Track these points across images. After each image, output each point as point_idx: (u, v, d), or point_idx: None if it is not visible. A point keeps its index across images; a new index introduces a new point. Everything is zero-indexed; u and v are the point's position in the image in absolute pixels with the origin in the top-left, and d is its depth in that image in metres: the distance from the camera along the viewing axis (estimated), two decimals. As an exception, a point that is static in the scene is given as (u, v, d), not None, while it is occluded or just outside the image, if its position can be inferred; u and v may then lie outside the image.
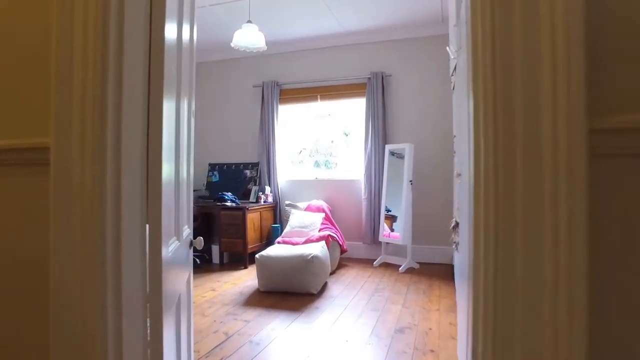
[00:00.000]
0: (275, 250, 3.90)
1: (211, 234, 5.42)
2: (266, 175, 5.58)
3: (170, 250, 1.29)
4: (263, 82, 5.63)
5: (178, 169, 1.45)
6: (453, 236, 2.65)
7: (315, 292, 3.67)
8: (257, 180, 5.62)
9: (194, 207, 4.88)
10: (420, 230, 5.00)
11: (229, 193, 5.11)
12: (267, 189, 5.46)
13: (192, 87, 1.90)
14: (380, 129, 5.14)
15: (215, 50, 5.83)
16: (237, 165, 5.81)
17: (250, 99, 5.83)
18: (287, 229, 4.91)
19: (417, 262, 4.80)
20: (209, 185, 5.82)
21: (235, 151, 5.92)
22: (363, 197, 5.20)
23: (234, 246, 4.85)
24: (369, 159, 5.17)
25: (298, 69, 5.60)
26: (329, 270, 4.07)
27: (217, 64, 6.05)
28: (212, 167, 5.92)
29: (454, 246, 2.70)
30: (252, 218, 4.96)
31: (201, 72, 6.12)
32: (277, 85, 5.59)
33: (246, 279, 4.24)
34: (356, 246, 5.31)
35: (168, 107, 1.27)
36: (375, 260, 4.97)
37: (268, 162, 5.59)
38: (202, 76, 6.12)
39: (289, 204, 5.30)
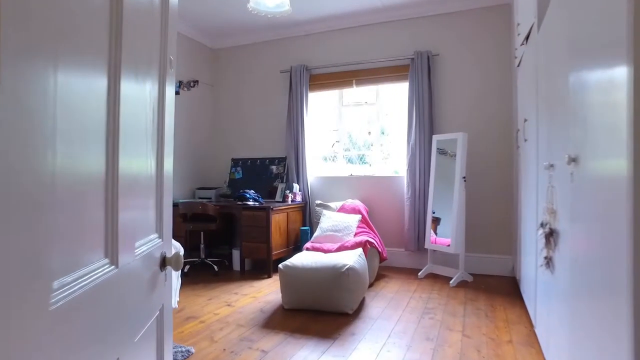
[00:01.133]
0: (302, 259, 3.27)
1: (232, 237, 4.86)
2: (294, 171, 4.97)
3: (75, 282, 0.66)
4: (291, 67, 5.02)
5: (115, 163, 0.83)
6: (544, 249, 1.92)
7: (350, 311, 3.01)
8: (285, 177, 5.01)
9: (213, 207, 4.36)
10: (473, 236, 4.23)
11: (252, 191, 4.53)
12: (296, 186, 4.85)
13: (166, 61, 1.26)
14: (426, 117, 4.40)
15: (236, 33, 5.27)
16: (262, 160, 5.23)
17: (276, 87, 5.24)
18: (317, 233, 4.27)
19: (470, 274, 4.03)
20: (232, 182, 5.27)
21: (260, 145, 5.34)
22: (406, 197, 4.48)
23: (256, 252, 4.26)
24: (413, 152, 4.45)
25: (330, 51, 4.95)
26: (367, 284, 3.40)
27: (238, 50, 5.50)
28: (235, 162, 5.37)
29: (543, 262, 1.96)
30: (278, 220, 4.35)
31: (220, 59, 5.60)
32: (306, 70, 4.96)
33: (268, 292, 3.63)
34: (397, 254, 4.59)
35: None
36: (420, 270, 4.24)
37: (296, 156, 4.97)
38: (221, 64, 5.59)
39: (320, 203, 4.66)
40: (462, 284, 3.84)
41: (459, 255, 3.93)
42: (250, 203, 4.35)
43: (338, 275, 2.99)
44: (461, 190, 3.93)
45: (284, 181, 5.00)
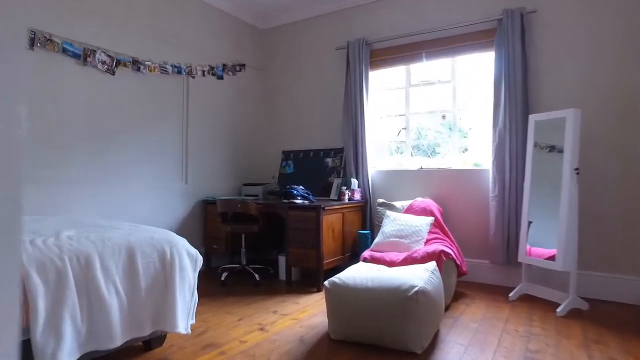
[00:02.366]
0: (356, 274, 2.52)
1: (280, 240, 4.24)
2: (352, 164, 4.23)
3: None
4: (348, 43, 4.28)
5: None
6: None
7: (419, 351, 2.20)
8: (341, 172, 4.29)
9: (255, 205, 3.77)
10: (586, 248, 3.19)
11: (300, 187, 3.87)
12: (354, 182, 4.10)
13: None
14: (519, 93, 3.42)
15: (285, 9, 4.64)
16: (316, 152, 4.55)
17: (331, 68, 4.53)
18: (378, 239, 3.50)
19: (582, 298, 3.01)
20: (282, 177, 4.66)
21: (314, 135, 4.67)
22: (491, 195, 3.54)
23: (304, 259, 3.59)
24: (501, 138, 3.49)
25: (393, 20, 4.13)
26: (443, 311, 2.56)
27: (287, 29, 4.88)
28: (286, 155, 4.76)
29: None
30: (331, 221, 3.64)
31: (269, 40, 5.01)
32: (365, 44, 4.19)
33: (315, 312, 2.93)
34: (480, 267, 3.66)
35: None
36: (511, 290, 3.29)
37: (355, 147, 4.22)
38: (270, 45, 5.00)
39: (383, 202, 3.87)
40: (574, 314, 2.84)
41: (568, 273, 2.93)
42: (298, 201, 3.69)
43: (403, 301, 2.20)
44: (572, 186, 2.93)
45: (341, 176, 4.28)
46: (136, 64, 3.59)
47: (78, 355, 1.82)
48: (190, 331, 2.21)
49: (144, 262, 2.09)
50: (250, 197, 4.46)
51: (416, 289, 2.21)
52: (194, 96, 4.18)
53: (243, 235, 3.86)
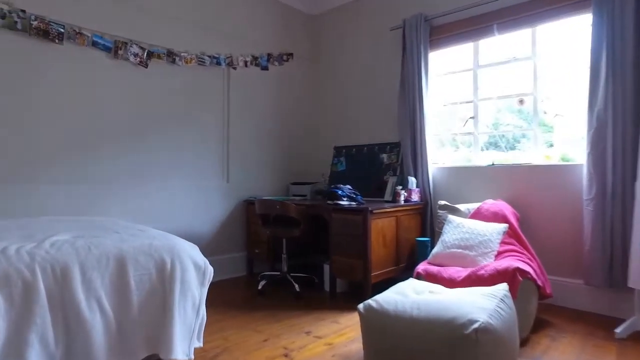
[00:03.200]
0: (402, 296, 1.99)
1: (324, 246, 3.79)
2: (410, 160, 3.65)
3: None
4: (404, 21, 3.71)
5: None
6: None
7: (481, 409, 1.62)
8: (398, 169, 3.74)
9: (295, 207, 3.36)
10: None
11: (347, 186, 3.39)
12: (411, 181, 3.53)
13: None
14: (628, 63, 2.61)
15: (339, -12, 4.20)
16: (370, 147, 4.04)
17: (385, 52, 3.98)
18: (437, 249, 2.90)
19: None
20: (333, 176, 4.22)
21: (368, 128, 4.16)
22: (585, 197, 2.77)
23: (349, 270, 3.11)
24: (601, 124, 2.70)
25: (460, -12, 3.48)
26: (516, 350, 1.93)
27: (338, 13, 4.42)
28: (338, 151, 4.31)
29: None
30: (382, 227, 3.12)
31: (319, 26, 4.59)
32: (424, 20, 3.59)
33: (354, 335, 2.45)
34: (571, 288, 2.90)
35: None
36: (616, 322, 2.50)
37: (413, 140, 3.64)
38: (320, 32, 4.59)
39: (444, 205, 3.25)
40: None
41: None
42: (343, 203, 3.22)
43: (458, 339, 1.64)
44: None
45: (397, 174, 3.73)
46: (171, 56, 3.39)
47: (52, 385, 1.54)
48: (192, 356, 1.85)
49: (137, 274, 1.78)
50: (297, 198, 4.09)
51: (477, 324, 1.63)
52: (236, 89, 3.90)
53: (284, 240, 3.48)
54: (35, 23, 2.67)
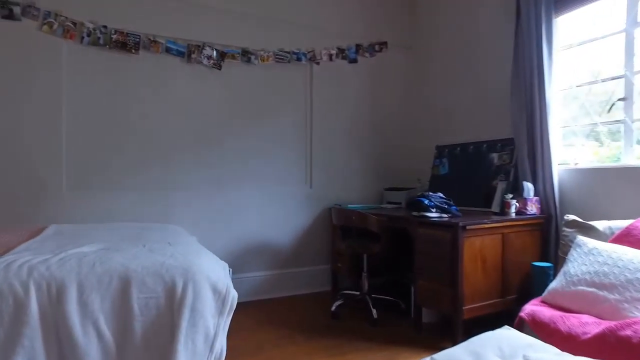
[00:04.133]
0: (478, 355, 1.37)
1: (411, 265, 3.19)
2: (527, 160, 2.81)
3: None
4: (520, -19, 2.88)
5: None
6: None
7: None
8: (512, 171, 2.93)
9: (375, 219, 2.82)
10: None
11: (438, 194, 2.74)
12: (527, 187, 2.70)
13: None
14: None
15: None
16: (478, 145, 3.29)
17: (493, 24, 3.18)
18: (556, 283, 2.09)
19: None
20: (434, 180, 3.57)
21: (475, 123, 3.40)
22: None
23: (436, 299, 2.49)
24: None
25: None
26: None
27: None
28: (440, 151, 3.63)
29: None
30: (480, 247, 2.43)
31: (411, 11, 3.97)
32: (549, -26, 2.71)
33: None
34: None
35: None
36: None
37: (531, 134, 2.80)
38: (419, 15, 3.95)
39: (574, 221, 2.37)
40: None
41: None
42: (432, 214, 2.60)
43: None
44: None
45: (511, 178, 2.92)
46: (246, 55, 3.24)
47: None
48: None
49: (142, 298, 1.57)
50: (390, 206, 3.59)
51: None
52: (319, 85, 3.58)
53: (365, 256, 3.02)
54: (115, 36, 2.78)
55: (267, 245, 3.37)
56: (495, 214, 2.76)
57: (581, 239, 2.21)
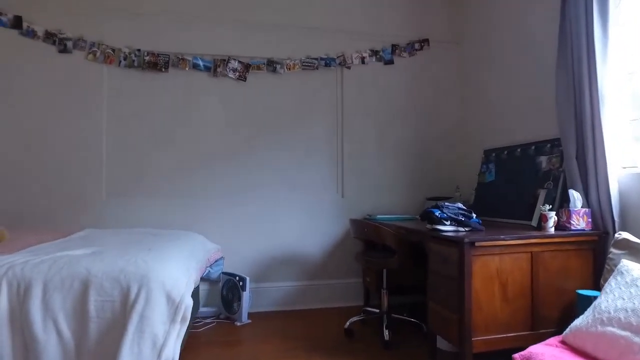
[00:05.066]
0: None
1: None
2: (575, 164, 2.32)
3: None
4: (567, -51, 2.40)
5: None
6: None
7: None
8: (561, 178, 2.45)
9: (390, 232, 2.55)
10: None
11: (457, 204, 2.39)
12: (574, 197, 2.22)
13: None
14: None
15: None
16: (525, 147, 2.83)
17: (546, 9, 2.70)
18: (582, 319, 1.67)
19: None
20: (480, 188, 3.17)
21: (523, 122, 2.93)
22: None
23: (444, 326, 2.17)
24: None
25: None
26: None
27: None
28: (487, 156, 3.21)
29: None
30: (497, 268, 2.06)
31: (456, 2, 3.58)
32: (598, -64, 2.21)
33: None
34: None
35: None
36: None
37: (581, 132, 2.31)
38: (457, 9, 3.56)
39: (622, 240, 1.87)
40: None
41: None
42: (445, 228, 2.29)
43: None
44: None
45: (559, 185, 2.44)
46: (271, 65, 3.27)
47: (9, 401, 1.59)
48: (143, 406, 1.59)
49: (98, 300, 1.67)
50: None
51: None
52: (351, 90, 3.45)
53: (384, 271, 2.79)
54: (147, 58, 3.05)
55: (295, 255, 3.33)
56: (534, 228, 2.32)
57: (626, 264, 1.74)
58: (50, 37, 2.92)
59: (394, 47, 3.52)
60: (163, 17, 3.10)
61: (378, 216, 3.23)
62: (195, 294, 2.80)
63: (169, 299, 1.71)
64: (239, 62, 3.22)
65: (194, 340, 2.58)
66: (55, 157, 2.95)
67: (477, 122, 3.44)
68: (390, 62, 3.51)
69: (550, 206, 2.26)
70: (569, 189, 2.28)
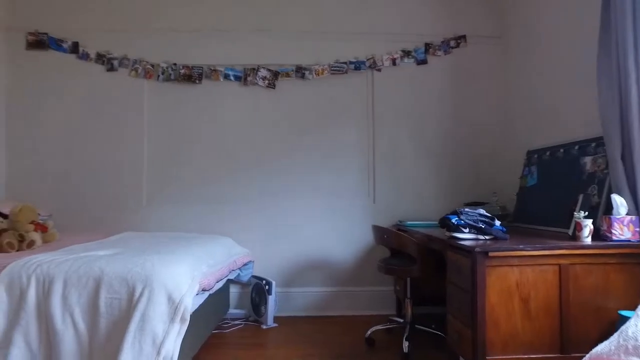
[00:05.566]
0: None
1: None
2: (620, 165, 2.04)
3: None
4: None
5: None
6: None
7: None
8: (606, 180, 2.18)
9: (411, 240, 2.44)
10: None
11: (479, 210, 2.21)
12: (617, 203, 1.96)
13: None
14: None
15: None
16: (568, 147, 2.56)
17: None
18: (605, 346, 1.46)
19: None
20: (522, 193, 2.92)
21: (568, 119, 2.65)
22: None
23: (459, 339, 2.02)
24: None
25: None
26: None
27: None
28: (529, 157, 2.95)
29: None
30: (518, 281, 1.87)
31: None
32: None
33: None
34: None
35: None
36: None
37: (627, 130, 2.03)
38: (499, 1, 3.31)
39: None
40: None
41: None
42: (463, 235, 2.13)
43: None
44: None
45: (602, 190, 2.17)
46: (300, 71, 3.31)
47: (33, 381, 1.78)
48: (143, 399, 1.69)
49: (108, 298, 1.80)
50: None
51: None
52: (382, 92, 3.37)
53: (408, 280, 2.67)
54: (182, 71, 3.26)
55: (325, 260, 3.31)
56: (571, 238, 2.08)
57: (663, 281, 1.48)
58: (100, 57, 3.24)
59: (428, 46, 3.37)
60: (196, 33, 3.29)
61: (407, 222, 3.10)
62: (222, 296, 2.91)
63: (170, 299, 1.80)
64: (268, 70, 3.30)
65: (217, 340, 2.67)
66: (105, 168, 3.24)
67: (520, 122, 3.17)
68: (423, 62, 3.37)
69: (587, 213, 2.00)
70: (613, 193, 2.01)
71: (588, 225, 1.96)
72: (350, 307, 3.27)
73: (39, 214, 2.61)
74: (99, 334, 1.78)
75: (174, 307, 1.79)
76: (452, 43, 3.38)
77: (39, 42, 3.21)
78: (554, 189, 2.58)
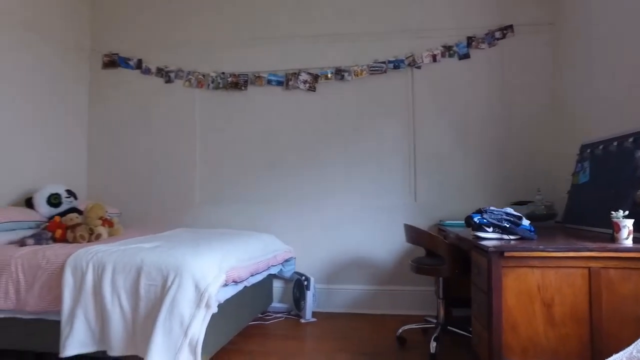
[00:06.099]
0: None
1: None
2: (671, 160, 1.83)
3: None
4: None
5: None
6: None
7: None
8: (660, 179, 1.97)
9: (440, 239, 2.40)
10: None
11: (506, 209, 2.10)
12: (664, 202, 1.77)
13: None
14: None
15: None
16: (622, 140, 2.33)
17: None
18: (626, 354, 1.34)
19: None
20: (574, 191, 2.71)
21: (629, 108, 2.41)
22: None
23: (479, 341, 1.95)
24: None
25: None
26: None
27: None
28: (582, 152, 2.72)
29: None
30: (539, 283, 1.78)
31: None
32: None
33: None
34: None
35: None
36: None
37: (678, 119, 1.81)
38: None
39: None
40: None
41: None
42: (487, 235, 2.05)
43: None
44: None
45: (653, 188, 1.96)
46: (339, 73, 3.38)
47: (91, 350, 2.10)
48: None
49: (146, 284, 2.05)
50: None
51: None
52: (423, 90, 3.32)
53: (440, 280, 2.62)
54: (230, 79, 3.51)
55: (366, 259, 3.35)
56: (612, 239, 1.91)
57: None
58: (159, 71, 3.63)
59: (470, 39, 3.25)
60: (241, 43, 3.53)
61: (446, 222, 3.03)
62: (263, 289, 3.10)
63: (197, 287, 2.00)
64: (308, 73, 3.43)
65: (255, 331, 2.86)
66: (164, 171, 3.62)
67: (574, 114, 2.92)
68: (465, 56, 3.26)
69: (626, 213, 1.82)
70: (658, 191, 1.81)
71: (627, 225, 1.79)
72: (390, 306, 3.27)
73: (107, 211, 3.01)
74: (140, 314, 2.03)
75: (199, 294, 1.99)
76: (498, 34, 3.22)
77: (112, 62, 3.69)
78: (605, 186, 2.36)
